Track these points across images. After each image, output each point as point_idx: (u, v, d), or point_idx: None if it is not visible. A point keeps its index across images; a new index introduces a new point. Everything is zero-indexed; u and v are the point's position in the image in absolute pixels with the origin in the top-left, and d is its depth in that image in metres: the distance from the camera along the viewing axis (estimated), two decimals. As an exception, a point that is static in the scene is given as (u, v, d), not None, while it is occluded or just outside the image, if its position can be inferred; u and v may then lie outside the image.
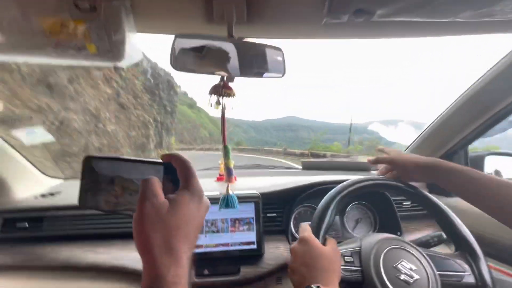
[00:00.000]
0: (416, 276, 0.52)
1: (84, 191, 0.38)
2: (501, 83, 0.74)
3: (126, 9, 0.53)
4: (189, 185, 0.34)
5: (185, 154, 0.37)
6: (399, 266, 0.54)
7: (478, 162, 1.01)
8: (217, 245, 0.78)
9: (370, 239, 0.60)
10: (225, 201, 0.64)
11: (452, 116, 0.91)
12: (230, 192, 0.64)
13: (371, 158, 0.78)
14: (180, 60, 0.54)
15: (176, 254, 0.30)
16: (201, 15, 0.55)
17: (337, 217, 0.96)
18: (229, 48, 0.56)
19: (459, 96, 0.87)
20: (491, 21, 0.50)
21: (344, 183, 0.67)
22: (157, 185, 0.33)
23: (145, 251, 0.30)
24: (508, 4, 0.45)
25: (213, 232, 0.79)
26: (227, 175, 0.62)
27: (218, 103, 0.60)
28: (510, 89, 0.74)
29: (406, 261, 0.54)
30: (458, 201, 0.98)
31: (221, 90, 0.58)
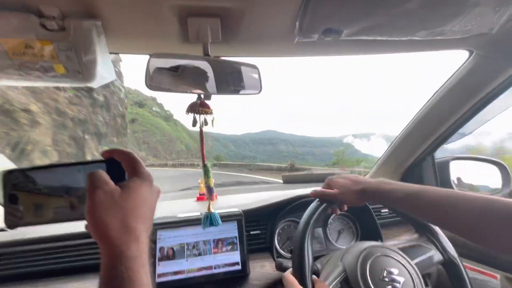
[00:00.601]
0: (402, 279, 0.53)
1: (10, 210, 0.34)
2: (454, 96, 0.81)
3: (97, 29, 0.52)
4: (137, 172, 0.35)
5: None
6: (385, 276, 0.54)
7: (444, 167, 1.08)
8: (200, 269, 0.74)
9: (351, 257, 0.59)
10: (208, 219, 0.62)
11: (416, 128, 0.98)
12: (212, 210, 0.62)
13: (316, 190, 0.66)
14: (156, 79, 0.53)
15: (134, 233, 0.31)
16: (176, 35, 0.56)
17: (321, 229, 0.97)
18: (205, 66, 0.56)
19: (421, 109, 0.94)
20: (443, 39, 0.56)
21: (307, 211, 0.64)
22: (104, 174, 0.33)
23: (103, 236, 0.30)
24: (455, 24, 0.51)
25: (195, 255, 0.75)
26: (208, 194, 0.61)
27: (195, 121, 0.59)
28: (463, 101, 0.81)
29: (389, 268, 0.55)
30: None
31: (198, 108, 0.58)
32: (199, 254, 0.75)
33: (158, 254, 0.73)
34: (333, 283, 0.57)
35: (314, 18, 0.50)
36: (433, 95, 0.86)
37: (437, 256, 0.59)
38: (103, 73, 0.59)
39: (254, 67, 0.61)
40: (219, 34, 0.53)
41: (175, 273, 0.72)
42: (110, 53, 0.62)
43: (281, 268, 0.67)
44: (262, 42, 0.60)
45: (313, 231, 0.61)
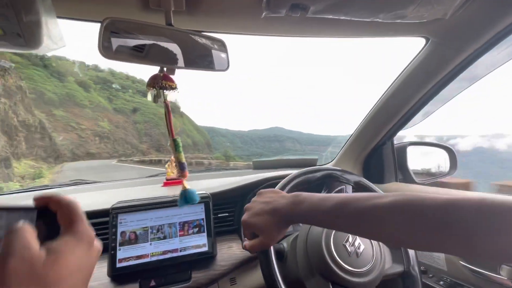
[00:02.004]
0: (363, 246, 0.57)
1: None
2: (412, 82, 0.87)
3: (41, -12, 0.46)
4: (73, 228, 0.28)
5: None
6: (347, 245, 0.58)
7: (402, 152, 1.16)
8: (164, 252, 0.71)
9: (316, 231, 0.63)
10: (184, 197, 0.60)
11: (377, 114, 1.04)
12: (188, 187, 0.60)
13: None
14: (111, 46, 0.49)
15: None
16: (134, 0, 0.51)
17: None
18: (168, 36, 0.53)
19: (382, 95, 0.99)
20: (402, 23, 0.59)
21: (299, 171, 0.69)
22: (28, 234, 0.25)
23: None
24: (413, 8, 0.53)
25: (160, 239, 0.72)
26: (180, 170, 0.59)
27: (158, 95, 0.56)
28: (419, 87, 0.87)
29: (351, 237, 0.60)
30: (392, 186, 1.11)
31: (161, 81, 0.55)
32: (164, 238, 0.73)
33: (119, 238, 0.69)
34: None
35: (281, -9, 0.50)
36: (392, 82, 0.91)
37: None
38: (51, 39, 0.53)
39: (221, 42, 0.59)
40: (182, 1, 0.50)
41: (138, 257, 0.69)
42: (58, 17, 0.56)
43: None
44: (228, 15, 0.58)
45: None
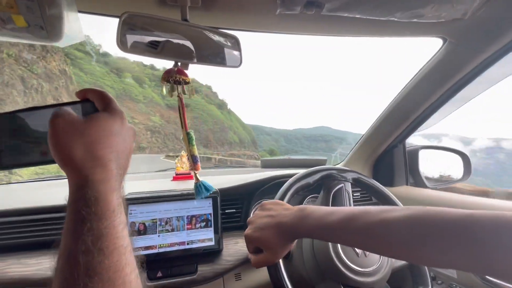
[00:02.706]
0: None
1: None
2: (426, 84, 0.85)
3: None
4: (108, 108, 0.34)
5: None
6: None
7: (413, 155, 1.14)
8: (172, 245, 0.73)
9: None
10: (200, 187, 0.62)
11: (389, 115, 1.02)
12: (200, 179, 0.62)
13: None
14: (128, 41, 0.50)
15: (101, 161, 0.29)
16: None
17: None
18: (183, 32, 0.54)
19: (395, 97, 0.97)
20: (419, 22, 0.58)
21: (296, 175, 0.68)
22: (68, 108, 0.32)
23: (67, 162, 0.29)
24: (431, 7, 0.52)
25: (167, 231, 0.74)
26: (193, 163, 0.60)
27: (172, 89, 0.57)
28: (434, 90, 0.85)
29: None
30: (402, 190, 1.09)
31: (175, 75, 0.56)
32: (172, 230, 0.74)
33: (128, 229, 0.70)
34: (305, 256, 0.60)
35: (297, -12, 0.50)
36: (407, 83, 0.90)
37: None
38: (71, 32, 0.55)
39: (234, 38, 0.60)
40: (198, -3, 0.51)
41: (146, 248, 0.71)
42: (79, 11, 0.58)
43: None
44: (243, 12, 0.58)
45: None
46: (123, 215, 0.30)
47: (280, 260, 0.56)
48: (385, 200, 0.74)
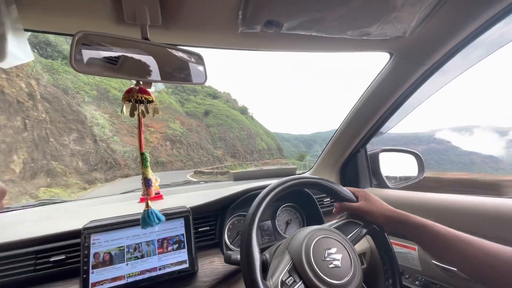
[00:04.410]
0: (340, 255, 0.58)
1: None
2: (379, 94, 0.93)
3: (6, 1, 0.45)
4: None
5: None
6: (326, 256, 0.58)
7: (374, 158, 1.22)
8: (142, 272, 0.68)
9: (296, 244, 0.61)
10: (148, 217, 0.58)
11: (350, 124, 1.09)
12: (151, 206, 0.58)
13: (337, 204, 0.71)
14: (83, 60, 0.47)
15: None
16: (109, 14, 0.51)
17: (270, 222, 0.99)
18: (145, 51, 0.53)
19: (353, 106, 1.05)
20: (368, 39, 0.64)
21: (264, 191, 0.65)
22: None
23: None
24: (377, 26, 0.58)
25: (137, 258, 0.69)
26: (145, 187, 0.56)
27: (134, 108, 0.55)
28: (386, 98, 0.94)
29: (329, 247, 0.60)
30: (368, 189, 1.16)
31: (137, 94, 0.54)
32: (142, 257, 0.70)
33: (92, 260, 0.65)
34: (282, 273, 0.59)
35: (256, 9, 0.52)
36: (363, 93, 0.97)
37: (363, 230, 0.66)
38: (16, 52, 0.51)
39: (198, 55, 0.60)
40: (158, 16, 0.51)
41: (113, 279, 0.65)
42: (26, 30, 0.54)
43: (229, 261, 0.67)
44: (205, 30, 0.59)
45: (262, 223, 0.61)
46: None
47: (258, 273, 0.55)
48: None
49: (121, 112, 0.55)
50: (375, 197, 0.68)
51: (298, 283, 0.57)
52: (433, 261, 0.84)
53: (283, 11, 0.53)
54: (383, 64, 0.85)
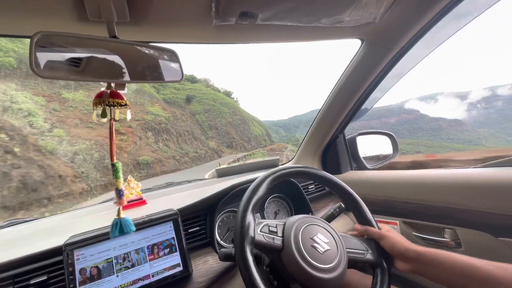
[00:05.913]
0: (327, 247, 0.59)
1: None
2: (353, 79, 0.96)
3: None
4: None
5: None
6: (315, 237, 0.60)
7: (353, 142, 1.27)
8: (135, 282, 0.65)
9: (293, 219, 0.64)
10: (118, 227, 0.56)
11: (328, 111, 1.12)
12: (122, 216, 0.56)
13: (359, 227, 0.69)
14: (43, 63, 0.43)
15: None
16: (70, 12, 0.47)
17: (258, 214, 1.00)
18: (112, 49, 0.49)
19: (329, 94, 1.07)
20: (341, 27, 0.65)
21: (251, 186, 0.64)
22: None
23: None
24: (348, 13, 0.59)
25: (127, 268, 0.66)
26: (117, 197, 0.55)
27: (104, 114, 0.51)
28: (360, 83, 0.97)
29: (322, 235, 0.61)
30: (348, 175, 1.20)
31: (108, 99, 0.50)
32: (133, 266, 0.67)
33: (78, 277, 0.61)
34: (272, 222, 0.61)
35: (230, 0, 0.50)
36: (338, 80, 1.00)
37: (369, 256, 0.64)
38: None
39: (171, 52, 0.57)
40: (126, 12, 0.47)
41: (104, 293, 0.62)
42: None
43: (225, 258, 0.66)
44: (178, 25, 0.56)
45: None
46: None
47: (252, 267, 0.55)
48: (332, 186, 0.75)
49: (94, 118, 0.51)
50: (395, 236, 0.65)
51: (278, 236, 0.59)
52: (413, 232, 0.90)
53: (257, 2, 0.52)
54: (354, 52, 0.88)
